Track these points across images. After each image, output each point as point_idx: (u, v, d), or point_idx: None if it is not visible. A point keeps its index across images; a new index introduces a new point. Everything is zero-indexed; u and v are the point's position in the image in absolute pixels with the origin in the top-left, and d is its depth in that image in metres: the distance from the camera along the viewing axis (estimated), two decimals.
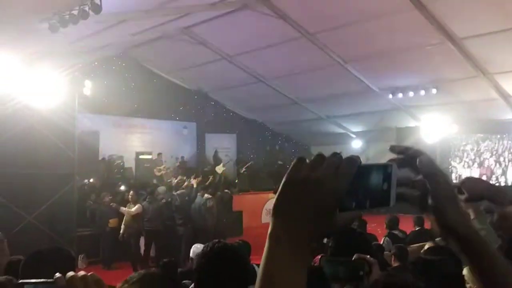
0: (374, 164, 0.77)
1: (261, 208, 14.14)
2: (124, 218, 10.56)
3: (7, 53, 8.73)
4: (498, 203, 1.50)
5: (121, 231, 10.48)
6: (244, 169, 18.10)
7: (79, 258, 10.10)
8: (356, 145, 20.15)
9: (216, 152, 18.71)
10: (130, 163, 16.93)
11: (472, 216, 1.79)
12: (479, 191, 1.40)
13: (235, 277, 2.13)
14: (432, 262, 2.55)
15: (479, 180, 1.52)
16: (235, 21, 11.95)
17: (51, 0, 8.23)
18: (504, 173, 17.09)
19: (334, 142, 18.75)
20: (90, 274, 1.27)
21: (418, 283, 1.88)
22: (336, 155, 0.75)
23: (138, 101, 16.39)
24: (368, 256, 2.28)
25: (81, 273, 1.25)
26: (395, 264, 4.77)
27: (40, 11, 8.29)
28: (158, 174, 16.31)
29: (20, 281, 1.33)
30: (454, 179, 15.57)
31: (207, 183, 12.50)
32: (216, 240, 2.37)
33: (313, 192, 0.73)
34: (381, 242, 6.87)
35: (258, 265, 0.80)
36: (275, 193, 0.81)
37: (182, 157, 18.35)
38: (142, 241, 10.70)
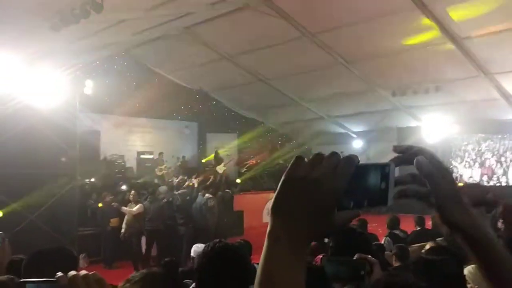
0: (372, 164, 0.77)
1: (262, 208, 14.15)
2: (126, 217, 10.58)
3: (8, 52, 8.74)
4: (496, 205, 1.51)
5: (123, 231, 10.49)
6: (245, 169, 18.13)
7: (80, 258, 10.11)
8: (357, 145, 20.14)
9: (216, 152, 18.72)
10: (131, 162, 16.95)
11: None
12: (476, 197, 1.41)
13: (236, 276, 2.13)
14: (433, 262, 2.55)
15: (475, 185, 1.53)
16: (236, 21, 11.95)
17: (52, 0, 8.24)
18: (505, 173, 17.07)
19: (335, 142, 18.75)
20: (92, 273, 1.27)
21: (419, 283, 1.89)
22: (335, 154, 0.75)
23: (139, 101, 16.39)
24: (369, 256, 2.28)
25: (83, 272, 1.26)
26: (396, 264, 4.77)
27: (41, 11, 8.29)
28: (159, 173, 16.32)
29: (22, 280, 1.33)
30: (455, 179, 15.55)
31: (208, 183, 12.51)
32: (217, 240, 2.37)
33: (312, 192, 0.73)
34: (382, 242, 6.87)
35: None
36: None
37: (183, 157, 18.36)
38: (143, 240, 10.71)
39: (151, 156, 17.27)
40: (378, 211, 16.63)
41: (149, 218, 10.48)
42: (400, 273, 2.98)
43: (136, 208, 10.48)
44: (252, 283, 0.77)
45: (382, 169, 0.76)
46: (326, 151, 0.77)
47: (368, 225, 7.77)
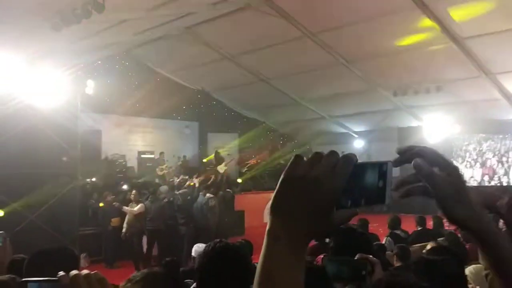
0: (369, 162, 0.78)
1: (263, 208, 14.13)
2: (127, 217, 10.58)
3: (9, 52, 8.74)
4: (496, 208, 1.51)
5: (124, 230, 10.50)
6: (245, 169, 18.15)
7: (81, 257, 10.11)
8: (358, 145, 20.13)
9: (216, 152, 18.72)
10: (132, 162, 16.97)
11: None
12: (486, 204, 1.40)
13: (237, 276, 2.14)
14: (434, 262, 2.55)
15: (473, 189, 1.52)
16: (237, 21, 11.95)
17: (53, 0, 8.25)
18: (506, 173, 17.06)
19: (336, 142, 18.75)
20: (94, 273, 1.27)
21: (421, 283, 1.89)
22: (334, 153, 0.75)
23: (140, 101, 16.40)
24: (371, 256, 2.28)
25: (85, 271, 1.26)
26: (397, 264, 4.77)
27: (43, 11, 8.30)
28: (160, 173, 16.34)
29: (24, 279, 1.33)
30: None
31: (209, 183, 12.52)
32: (218, 240, 2.37)
33: (312, 191, 0.73)
34: (383, 242, 6.87)
35: None
36: None
37: (184, 157, 18.38)
38: (144, 240, 10.72)
39: (152, 156, 17.29)
40: (380, 210, 16.64)
41: (150, 217, 10.49)
42: (401, 273, 2.98)
43: (137, 208, 10.48)
44: (253, 283, 0.78)
45: (380, 168, 0.77)
46: (327, 151, 0.77)
47: (369, 225, 7.76)
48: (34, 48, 9.47)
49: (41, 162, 8.99)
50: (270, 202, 0.77)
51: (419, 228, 7.74)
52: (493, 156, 17.41)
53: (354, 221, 7.92)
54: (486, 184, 17.12)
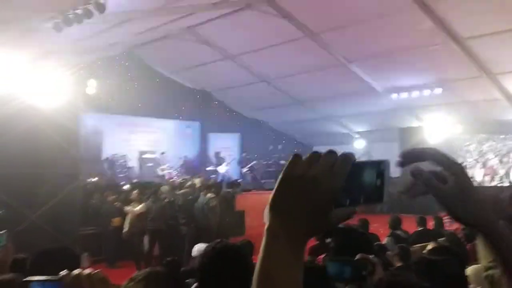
0: (367, 161, 0.78)
1: (264, 208, 14.08)
2: (128, 217, 10.58)
3: (11, 52, 8.75)
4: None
5: (125, 230, 10.50)
6: (246, 169, 18.15)
7: (83, 257, 10.10)
8: (359, 145, 20.12)
9: (217, 152, 18.72)
10: (133, 162, 16.98)
11: None
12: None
13: (237, 276, 2.14)
14: (435, 262, 2.55)
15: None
16: (238, 21, 11.97)
17: (55, 0, 8.25)
18: (507, 173, 17.05)
19: (337, 142, 18.74)
20: (95, 272, 1.28)
21: (422, 283, 1.89)
22: (332, 152, 0.76)
23: (141, 101, 16.42)
24: (371, 256, 2.29)
25: (87, 271, 1.27)
26: (397, 264, 4.77)
27: (44, 11, 8.31)
28: (161, 173, 16.35)
29: (27, 278, 1.34)
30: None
31: (210, 183, 12.51)
32: (218, 240, 2.38)
33: (310, 190, 0.74)
34: (384, 242, 6.86)
35: None
36: None
37: (186, 157, 18.39)
38: (145, 240, 10.72)
39: (153, 156, 17.30)
40: (381, 210, 16.64)
41: (151, 217, 10.49)
42: (402, 273, 2.99)
43: (139, 207, 10.48)
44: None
45: (378, 167, 0.77)
46: None
47: (370, 226, 7.76)
48: (35, 48, 9.49)
49: (42, 162, 8.99)
50: (269, 200, 0.78)
51: (419, 229, 7.73)
52: (494, 157, 17.40)
53: (354, 222, 7.92)
54: (487, 184, 17.10)
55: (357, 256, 2.22)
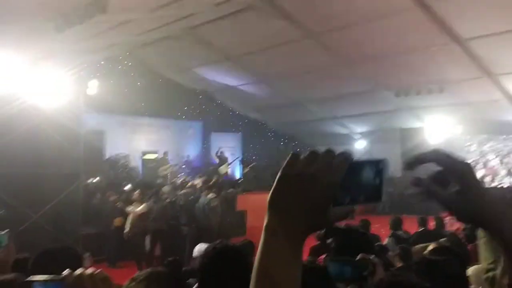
0: (366, 160, 0.79)
1: (265, 208, 14.10)
2: (130, 217, 10.59)
3: (12, 53, 8.77)
4: None
5: (127, 230, 10.50)
6: (247, 169, 18.14)
7: (84, 257, 10.10)
8: (360, 145, 20.12)
9: (219, 151, 18.71)
10: (135, 162, 16.98)
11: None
12: None
13: (237, 276, 2.15)
14: (436, 263, 2.56)
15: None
16: (240, 21, 11.97)
17: (57, 0, 8.26)
18: (508, 174, 17.03)
19: (338, 143, 18.73)
20: (98, 272, 1.29)
21: (423, 283, 1.90)
22: (329, 151, 0.77)
23: (143, 101, 16.43)
24: (372, 257, 2.29)
25: (89, 270, 1.28)
26: (398, 264, 4.77)
27: (46, 11, 8.32)
28: (163, 173, 16.35)
29: (30, 278, 1.34)
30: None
31: (211, 183, 12.51)
32: (219, 241, 2.39)
33: (308, 188, 0.75)
34: (385, 243, 6.86)
35: None
36: None
37: (188, 156, 18.39)
38: (147, 240, 10.73)
39: (155, 156, 17.30)
40: (382, 210, 16.59)
41: (152, 217, 10.50)
42: (402, 273, 2.99)
43: (140, 208, 10.48)
44: None
45: (376, 166, 0.78)
46: None
47: (371, 226, 7.77)
48: (37, 49, 9.50)
49: (43, 162, 9.00)
50: (267, 198, 0.79)
51: (420, 229, 7.73)
52: (495, 157, 17.39)
53: (355, 222, 7.92)
54: (487, 185, 17.08)
55: (358, 257, 2.23)
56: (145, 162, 17.05)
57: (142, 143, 17.75)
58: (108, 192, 11.57)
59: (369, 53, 12.94)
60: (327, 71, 14.16)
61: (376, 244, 5.26)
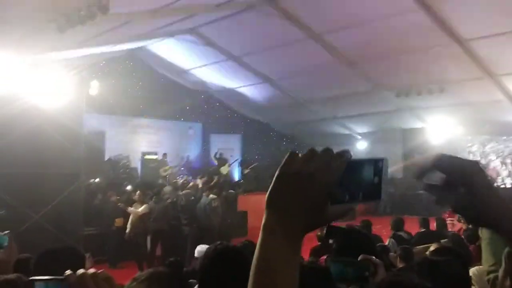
0: (365, 159, 0.79)
1: None
2: (131, 218, 10.60)
3: (14, 53, 8.78)
4: None
5: (128, 231, 10.52)
6: (248, 170, 18.15)
7: (86, 257, 10.09)
8: (361, 146, 20.10)
9: (218, 153, 18.71)
10: (136, 163, 17.01)
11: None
12: None
13: (238, 277, 2.15)
14: (438, 263, 2.56)
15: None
16: (241, 22, 11.97)
17: (59, 1, 8.27)
18: (510, 174, 17.01)
19: (339, 143, 18.72)
20: (100, 272, 1.29)
21: (424, 283, 1.90)
22: (327, 150, 0.77)
23: (144, 101, 16.46)
24: (374, 257, 2.29)
25: (92, 270, 1.27)
26: (400, 265, 4.77)
27: (48, 12, 8.33)
28: (163, 174, 16.36)
29: (32, 278, 1.34)
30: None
31: (212, 183, 12.53)
32: (219, 242, 2.39)
33: (306, 186, 0.75)
34: (386, 244, 6.86)
35: None
36: None
37: (188, 157, 18.40)
38: (148, 240, 10.74)
39: (155, 157, 17.32)
40: (384, 211, 16.55)
41: (153, 218, 10.51)
42: (404, 274, 2.99)
43: (142, 208, 10.50)
44: None
45: (375, 164, 0.78)
46: None
47: (373, 227, 7.77)
48: (38, 49, 9.50)
49: (45, 162, 9.00)
50: (266, 197, 0.79)
51: (422, 230, 7.73)
52: (497, 158, 17.37)
53: (357, 223, 7.92)
54: None
55: (360, 257, 2.22)
56: (145, 162, 17.07)
57: (143, 144, 17.78)
58: (109, 193, 11.59)
59: (370, 54, 12.93)
60: (328, 72, 14.15)
61: (378, 244, 5.25)
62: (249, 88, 16.73)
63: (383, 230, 9.33)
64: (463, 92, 14.03)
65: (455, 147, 17.70)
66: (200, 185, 12.46)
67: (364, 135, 20.20)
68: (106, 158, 15.80)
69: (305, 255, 5.54)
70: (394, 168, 15.89)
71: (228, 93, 18.13)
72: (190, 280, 4.38)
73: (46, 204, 9.15)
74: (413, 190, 16.19)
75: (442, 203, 0.81)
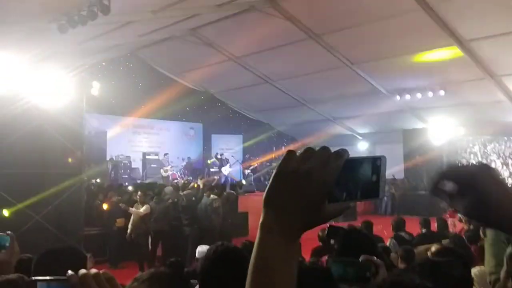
0: (363, 157, 0.79)
1: None
2: (132, 218, 10.60)
3: (16, 53, 8.78)
4: None
5: (129, 231, 10.52)
6: (249, 170, 18.15)
7: (87, 257, 10.09)
8: (362, 146, 20.10)
9: (219, 154, 18.72)
10: (137, 163, 17.02)
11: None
12: None
13: (238, 278, 2.14)
14: (439, 264, 2.55)
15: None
16: (242, 23, 11.97)
17: (60, 1, 8.28)
18: (511, 175, 17.00)
19: (340, 144, 18.58)
20: (103, 272, 1.28)
21: (426, 283, 1.89)
22: (325, 148, 0.77)
23: (145, 102, 16.48)
24: (375, 258, 2.29)
25: (94, 270, 1.27)
26: (401, 265, 4.76)
27: (49, 12, 8.34)
28: (164, 174, 16.37)
29: (33, 278, 1.34)
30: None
31: (213, 184, 12.53)
32: (220, 243, 2.39)
33: (303, 185, 0.75)
34: (387, 244, 6.85)
35: None
36: None
37: (189, 158, 18.41)
38: (149, 240, 10.74)
39: (156, 157, 17.34)
40: (384, 211, 16.51)
41: (154, 218, 10.51)
42: (405, 274, 2.98)
43: (143, 209, 10.50)
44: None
45: (374, 162, 0.78)
46: None
47: (374, 227, 7.75)
48: (40, 49, 9.52)
49: (46, 162, 9.00)
50: (263, 196, 0.79)
51: (423, 230, 7.71)
52: (498, 158, 17.36)
53: (358, 223, 7.91)
54: None
55: (361, 258, 2.22)
56: (146, 163, 17.08)
57: (144, 144, 17.81)
58: (110, 193, 11.59)
59: (371, 54, 12.94)
60: (329, 72, 14.16)
61: (379, 245, 5.25)
62: (250, 89, 16.72)
63: (384, 231, 9.32)
64: (464, 92, 14.03)
65: (457, 148, 17.70)
66: (201, 186, 12.44)
67: (365, 136, 20.21)
68: (108, 158, 15.82)
69: (307, 255, 5.53)
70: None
71: (229, 94, 18.13)
72: (191, 281, 4.38)
73: (47, 204, 9.15)
74: (414, 191, 16.19)
75: (455, 207, 0.82)
